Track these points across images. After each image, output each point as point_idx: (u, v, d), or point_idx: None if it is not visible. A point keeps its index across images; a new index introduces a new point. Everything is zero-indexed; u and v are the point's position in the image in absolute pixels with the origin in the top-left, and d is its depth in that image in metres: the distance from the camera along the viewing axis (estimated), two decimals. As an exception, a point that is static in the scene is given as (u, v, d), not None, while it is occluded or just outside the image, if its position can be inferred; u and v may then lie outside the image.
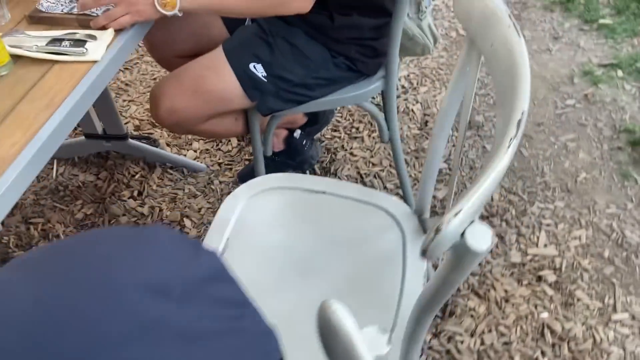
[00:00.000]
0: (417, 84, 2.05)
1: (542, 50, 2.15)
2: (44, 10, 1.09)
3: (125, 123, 1.97)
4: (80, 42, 1.02)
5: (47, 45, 1.01)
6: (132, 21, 1.04)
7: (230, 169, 1.78)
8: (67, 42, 1.02)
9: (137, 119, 1.99)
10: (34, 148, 0.84)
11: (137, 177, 1.75)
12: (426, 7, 1.48)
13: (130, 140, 1.77)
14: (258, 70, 1.23)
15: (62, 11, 1.09)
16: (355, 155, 1.78)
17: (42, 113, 0.90)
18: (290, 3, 1.09)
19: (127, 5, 1.02)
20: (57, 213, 1.66)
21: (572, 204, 1.60)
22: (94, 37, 1.04)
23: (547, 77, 2.02)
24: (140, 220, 1.63)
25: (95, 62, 0.99)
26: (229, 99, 1.25)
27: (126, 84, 2.16)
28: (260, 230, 1.05)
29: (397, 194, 1.66)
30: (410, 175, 1.69)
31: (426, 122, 1.88)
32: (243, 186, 1.11)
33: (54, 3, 1.11)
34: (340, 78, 1.29)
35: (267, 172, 1.63)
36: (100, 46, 1.02)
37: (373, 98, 1.70)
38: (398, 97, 1.99)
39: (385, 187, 1.69)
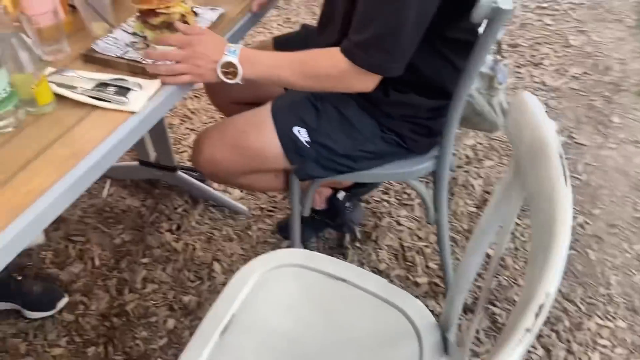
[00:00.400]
0: (483, 156, 1.91)
1: (630, 141, 1.94)
2: (98, 50, 1.10)
3: (182, 152, 1.99)
4: (125, 90, 1.01)
5: (92, 88, 1.02)
6: (191, 81, 1.04)
7: (271, 216, 1.74)
8: (112, 88, 1.02)
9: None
10: (47, 200, 0.83)
11: (179, 210, 1.75)
12: (499, 84, 1.37)
13: (179, 173, 1.78)
14: (302, 134, 1.18)
15: (115, 54, 1.09)
16: (401, 225, 1.67)
17: (68, 161, 0.89)
18: (352, 84, 1.04)
19: (192, 67, 1.01)
20: (97, 234, 1.68)
21: (636, 327, 1.40)
22: (139, 86, 1.03)
23: (630, 173, 1.82)
24: (172, 256, 1.61)
25: (133, 113, 0.99)
26: (268, 158, 1.21)
27: (192, 112, 2.19)
28: (268, 311, 0.98)
29: (439, 276, 1.54)
30: (457, 258, 1.56)
31: (485, 200, 1.75)
32: (259, 258, 1.05)
33: (110, 44, 1.12)
34: (387, 153, 1.21)
35: (304, 230, 1.57)
36: (141, 97, 1.00)
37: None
38: (459, 167, 1.87)
39: (427, 266, 1.57)
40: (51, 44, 1.11)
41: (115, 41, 1.14)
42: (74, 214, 1.75)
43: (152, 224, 1.71)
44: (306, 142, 1.18)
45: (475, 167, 1.87)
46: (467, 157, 1.91)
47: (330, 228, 1.64)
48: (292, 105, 1.20)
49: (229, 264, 1.59)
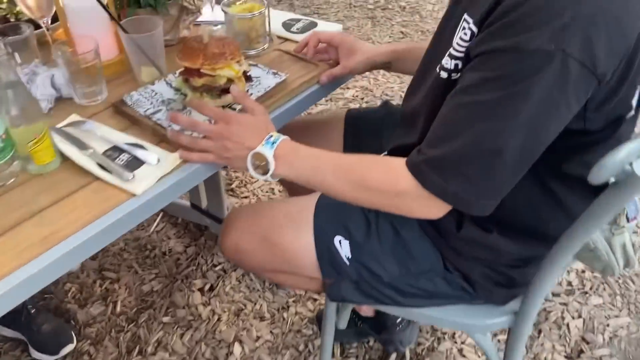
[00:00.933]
0: (591, 289, 1.52)
1: None
2: (129, 103, 0.95)
3: (244, 197, 1.83)
4: (136, 163, 0.85)
5: (104, 152, 0.86)
6: (214, 162, 0.86)
7: (315, 300, 1.50)
8: (124, 156, 0.86)
9: (257, 196, 1.83)
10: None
11: (217, 268, 1.58)
12: (628, 221, 1.03)
13: (228, 227, 1.61)
14: (343, 247, 0.93)
15: (145, 112, 0.93)
16: (464, 356, 1.35)
17: (33, 248, 0.73)
18: (412, 208, 0.77)
19: (220, 149, 0.83)
20: (130, 275, 1.56)
21: None
22: (157, 160, 0.86)
23: None
24: (195, 322, 1.44)
25: (134, 194, 0.81)
26: (299, 264, 0.98)
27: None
28: None
29: None
30: (525, 423, 1.21)
31: (581, 351, 1.36)
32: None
33: (145, 98, 0.97)
34: (447, 296, 0.93)
35: (345, 335, 1.32)
36: (150, 176, 0.83)
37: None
38: (556, 295, 1.49)
39: (483, 421, 1.23)
40: (86, 86, 0.98)
41: (152, 95, 0.98)
42: (116, 244, 1.65)
43: (185, 278, 1.55)
44: (347, 258, 0.93)
45: (578, 302, 1.48)
46: (570, 284, 1.52)
47: (375, 340, 1.37)
48: (339, 207, 0.96)
49: (251, 350, 1.38)
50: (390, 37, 2.78)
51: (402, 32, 2.82)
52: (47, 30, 1.06)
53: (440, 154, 0.71)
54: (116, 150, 0.87)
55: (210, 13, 1.20)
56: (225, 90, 0.93)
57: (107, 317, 1.45)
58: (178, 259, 1.61)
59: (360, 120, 1.15)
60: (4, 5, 1.13)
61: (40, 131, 0.81)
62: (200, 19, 1.20)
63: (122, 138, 0.90)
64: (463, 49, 0.71)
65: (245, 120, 0.84)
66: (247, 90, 0.97)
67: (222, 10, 1.06)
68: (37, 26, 1.07)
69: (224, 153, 0.83)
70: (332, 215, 0.95)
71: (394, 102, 2.39)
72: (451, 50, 0.73)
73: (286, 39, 1.17)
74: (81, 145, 0.87)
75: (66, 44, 0.99)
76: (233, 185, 1.87)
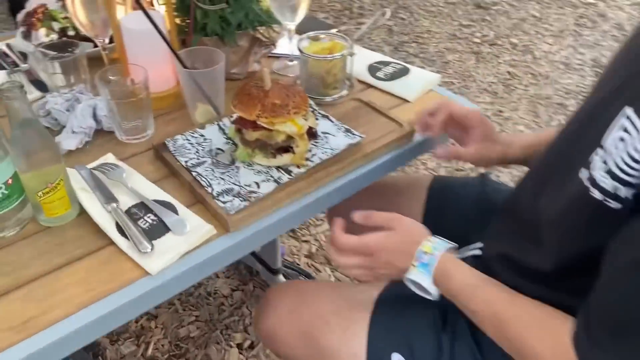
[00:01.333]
0: None
1: None
2: (171, 149, 0.80)
3: (305, 240, 1.65)
4: (161, 229, 0.69)
5: (128, 209, 0.72)
6: (364, 281, 0.75)
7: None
8: (149, 218, 0.71)
9: (318, 240, 1.65)
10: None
11: (262, 323, 1.41)
12: None
13: (281, 278, 1.44)
14: (402, 369, 0.72)
15: (186, 162, 0.78)
16: None
17: (11, 333, 0.59)
18: None
19: (371, 277, 0.72)
20: (169, 314, 1.43)
21: None
22: (184, 226, 0.69)
23: None
24: (226, 384, 1.27)
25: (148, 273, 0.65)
26: (344, 375, 0.77)
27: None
28: None
29: None
30: None
31: None
32: None
33: (190, 144, 0.81)
34: None
35: None
36: (171, 251, 0.66)
37: None
38: None
39: None
40: (129, 121, 0.84)
41: (202, 140, 0.82)
42: (162, 275, 1.53)
43: (226, 328, 1.39)
44: (406, 384, 0.71)
45: None
46: None
47: None
48: (405, 315, 0.74)
49: None
50: (495, 76, 2.50)
51: (509, 73, 2.52)
52: (104, 50, 0.94)
53: (617, 352, 0.51)
54: (142, 208, 0.72)
55: (287, 45, 1.04)
56: (283, 149, 0.76)
57: (137, 359, 1.32)
58: (222, 304, 1.45)
59: (447, 193, 0.93)
60: (69, 15, 1.04)
61: (55, 179, 0.67)
62: (275, 51, 1.04)
63: (153, 192, 0.75)
64: (634, 173, 0.48)
65: (389, 243, 0.70)
66: (310, 150, 0.79)
67: (298, 48, 0.89)
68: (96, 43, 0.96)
69: (382, 270, 0.71)
70: (395, 323, 0.74)
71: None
72: (611, 167, 0.49)
73: (369, 86, 0.98)
74: (106, 195, 0.73)
75: (117, 70, 0.86)
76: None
